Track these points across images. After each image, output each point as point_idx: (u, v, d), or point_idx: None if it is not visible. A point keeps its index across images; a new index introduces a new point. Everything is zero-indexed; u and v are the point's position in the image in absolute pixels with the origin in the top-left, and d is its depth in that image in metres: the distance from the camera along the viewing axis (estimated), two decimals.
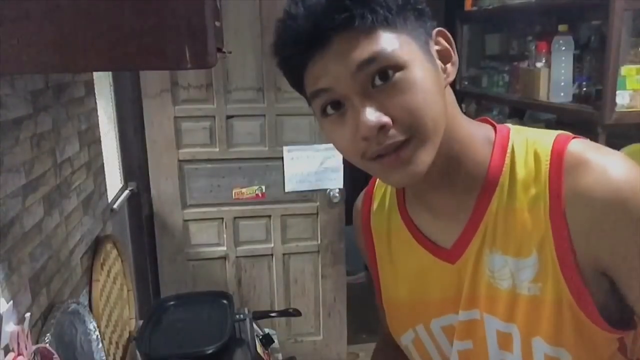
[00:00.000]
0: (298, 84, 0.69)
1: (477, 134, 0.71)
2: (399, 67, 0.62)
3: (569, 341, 0.67)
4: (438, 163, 0.67)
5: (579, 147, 0.66)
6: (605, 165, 0.63)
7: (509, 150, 0.70)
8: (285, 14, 0.65)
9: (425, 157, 0.65)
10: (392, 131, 0.63)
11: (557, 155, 0.66)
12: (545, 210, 0.66)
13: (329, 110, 0.66)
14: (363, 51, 0.62)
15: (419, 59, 0.64)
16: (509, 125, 0.74)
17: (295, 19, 0.63)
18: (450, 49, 0.68)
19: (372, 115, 0.62)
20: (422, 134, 0.64)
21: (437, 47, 0.68)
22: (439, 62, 0.67)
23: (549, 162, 0.66)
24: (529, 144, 0.69)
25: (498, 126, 0.74)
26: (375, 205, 0.85)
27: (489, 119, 0.76)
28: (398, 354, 0.90)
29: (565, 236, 0.65)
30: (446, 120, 0.66)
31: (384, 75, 0.62)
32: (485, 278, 0.71)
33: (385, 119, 0.62)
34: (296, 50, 0.64)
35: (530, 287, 0.68)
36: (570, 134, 0.69)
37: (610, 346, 0.69)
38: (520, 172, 0.68)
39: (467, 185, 0.71)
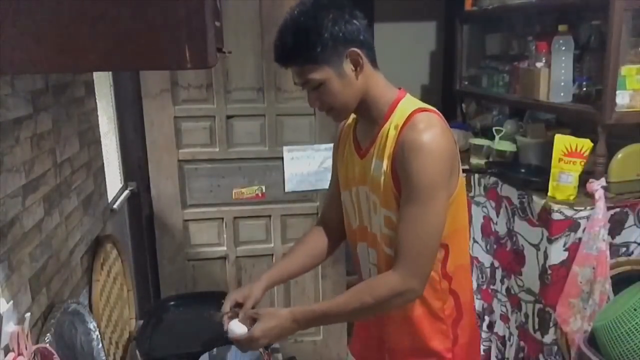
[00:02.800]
0: None
1: (384, 95, 1.21)
2: (320, 84, 1.16)
3: (393, 207, 1.18)
4: (359, 108, 1.22)
5: (419, 118, 1.15)
6: (420, 130, 1.12)
7: (397, 107, 1.20)
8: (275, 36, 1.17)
9: (340, 118, 1.27)
10: (323, 106, 1.21)
11: (409, 117, 1.16)
12: (393, 141, 1.17)
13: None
14: (300, 78, 1.18)
15: (331, 76, 1.16)
16: (406, 93, 1.24)
17: (276, 48, 1.17)
18: (358, 58, 1.16)
19: (312, 102, 1.22)
20: (336, 111, 1.22)
21: (349, 61, 1.16)
22: (350, 68, 1.16)
23: (405, 118, 1.16)
24: (405, 106, 1.19)
25: (400, 92, 1.23)
26: (346, 122, 1.36)
27: (402, 88, 1.25)
28: (320, 233, 1.44)
29: (395, 157, 1.16)
30: (363, 90, 1.19)
31: (314, 87, 1.18)
32: (371, 173, 1.23)
33: (316, 105, 1.21)
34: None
35: (381, 177, 1.20)
36: (428, 107, 1.19)
37: None
38: (395, 119, 1.19)
39: (373, 120, 1.23)
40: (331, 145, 1.41)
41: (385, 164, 1.18)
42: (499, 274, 2.32)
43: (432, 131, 1.12)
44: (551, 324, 1.98)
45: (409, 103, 1.21)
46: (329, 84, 1.16)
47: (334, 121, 1.29)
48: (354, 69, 1.17)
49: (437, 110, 1.19)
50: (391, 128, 1.18)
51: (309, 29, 1.13)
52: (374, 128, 1.22)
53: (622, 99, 1.86)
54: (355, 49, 1.15)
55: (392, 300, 1.16)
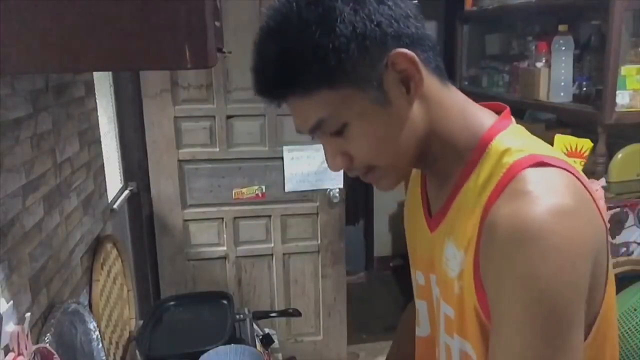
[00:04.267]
0: None
1: (464, 128, 0.72)
2: (343, 126, 0.68)
3: (475, 338, 0.68)
4: (422, 156, 0.73)
5: (529, 178, 0.62)
6: (532, 202, 0.60)
7: (489, 148, 0.69)
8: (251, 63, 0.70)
9: (392, 179, 0.75)
10: (355, 165, 0.72)
11: (508, 176, 0.64)
12: (478, 217, 0.66)
13: None
14: (306, 120, 0.69)
15: (363, 109, 0.67)
16: (510, 121, 0.73)
17: (253, 76, 0.70)
18: (412, 67, 0.66)
19: (332, 160, 0.72)
20: (382, 167, 0.72)
21: (394, 74, 0.66)
22: (398, 87, 0.67)
23: (499, 178, 0.65)
24: (504, 148, 0.67)
25: (500, 119, 0.72)
26: None
27: (501, 104, 0.76)
28: None
29: (481, 248, 0.65)
30: (424, 124, 0.70)
31: (333, 134, 0.69)
32: (442, 263, 0.74)
33: (344, 165, 0.72)
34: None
35: (456, 282, 0.71)
36: (552, 154, 0.66)
37: None
38: (484, 173, 0.68)
39: (445, 172, 0.74)
40: None
41: (463, 257, 0.68)
42: None
43: (557, 206, 0.59)
44: None
45: (513, 141, 0.68)
46: (359, 123, 0.67)
47: (382, 190, 0.77)
48: (404, 88, 0.67)
49: (568, 163, 0.66)
50: (475, 189, 0.68)
51: (308, 23, 0.63)
52: (446, 184, 0.74)
53: (622, 99, 1.86)
54: (403, 50, 0.65)
55: None
